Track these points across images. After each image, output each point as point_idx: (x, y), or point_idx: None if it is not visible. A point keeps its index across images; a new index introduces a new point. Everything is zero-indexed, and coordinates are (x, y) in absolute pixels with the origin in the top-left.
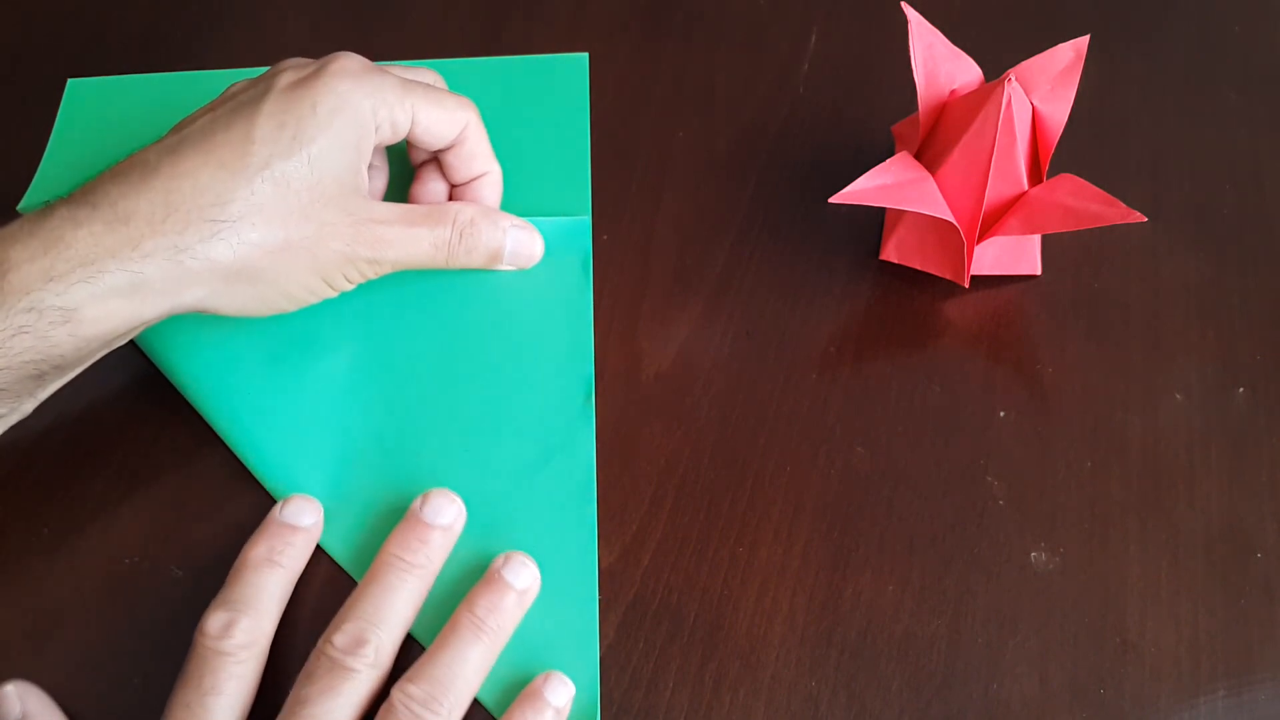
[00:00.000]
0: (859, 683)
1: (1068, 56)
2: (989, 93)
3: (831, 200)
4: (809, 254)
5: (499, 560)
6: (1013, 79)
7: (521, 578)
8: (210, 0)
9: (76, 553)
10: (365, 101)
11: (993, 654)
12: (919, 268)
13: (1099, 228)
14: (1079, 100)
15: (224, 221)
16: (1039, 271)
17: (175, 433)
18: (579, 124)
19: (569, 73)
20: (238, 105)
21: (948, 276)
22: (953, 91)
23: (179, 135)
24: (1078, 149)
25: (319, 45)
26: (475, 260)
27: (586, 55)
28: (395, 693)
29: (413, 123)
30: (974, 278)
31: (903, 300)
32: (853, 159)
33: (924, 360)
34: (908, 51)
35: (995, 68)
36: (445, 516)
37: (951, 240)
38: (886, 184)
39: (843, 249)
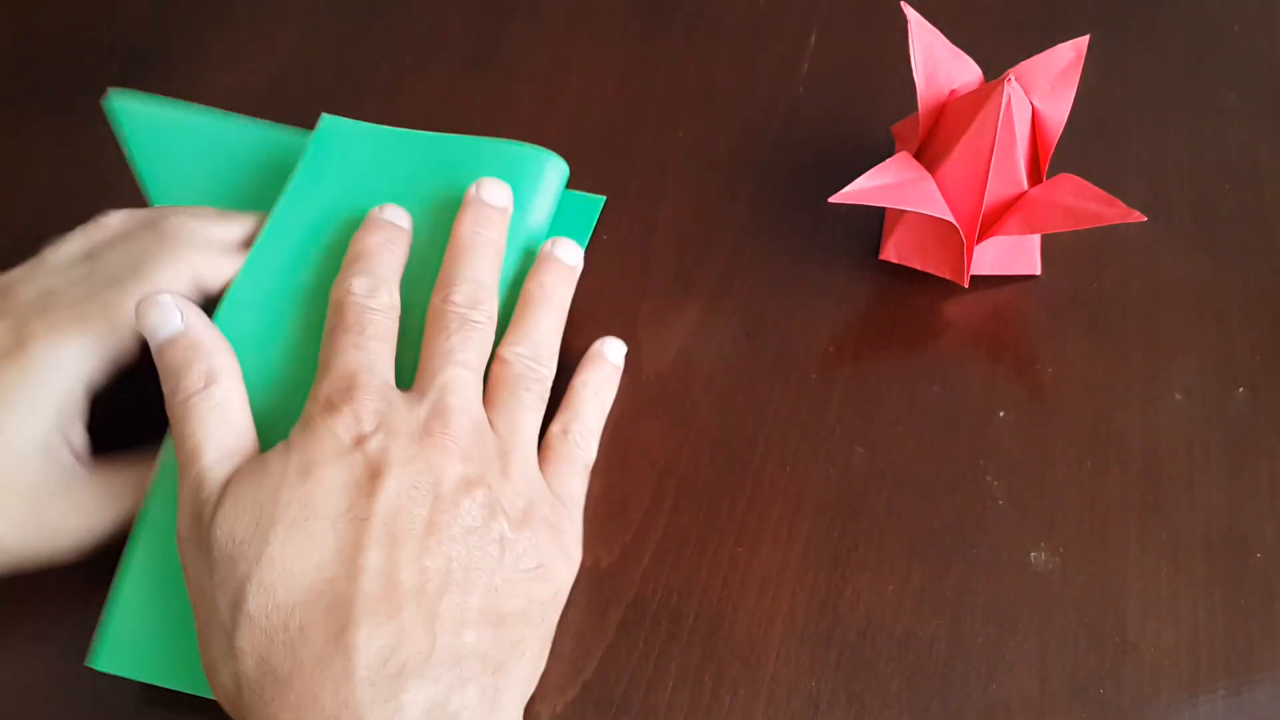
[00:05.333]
0: (859, 683)
1: (1068, 56)
2: (989, 93)
3: (831, 200)
4: (809, 254)
5: (548, 244)
6: (1013, 79)
7: (571, 255)
8: (210, 2)
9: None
10: (73, 365)
11: (992, 654)
12: (919, 268)
13: (1099, 227)
14: (1079, 100)
15: None
16: (1039, 271)
17: None
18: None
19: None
20: None
21: (947, 276)
22: (953, 91)
23: None
24: (1078, 149)
25: (317, 45)
26: None
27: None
28: (505, 353)
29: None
30: (974, 278)
31: (902, 300)
32: (853, 159)
33: (924, 360)
34: (908, 51)
35: (995, 68)
36: (502, 200)
37: (951, 240)
38: (886, 184)
39: (843, 249)
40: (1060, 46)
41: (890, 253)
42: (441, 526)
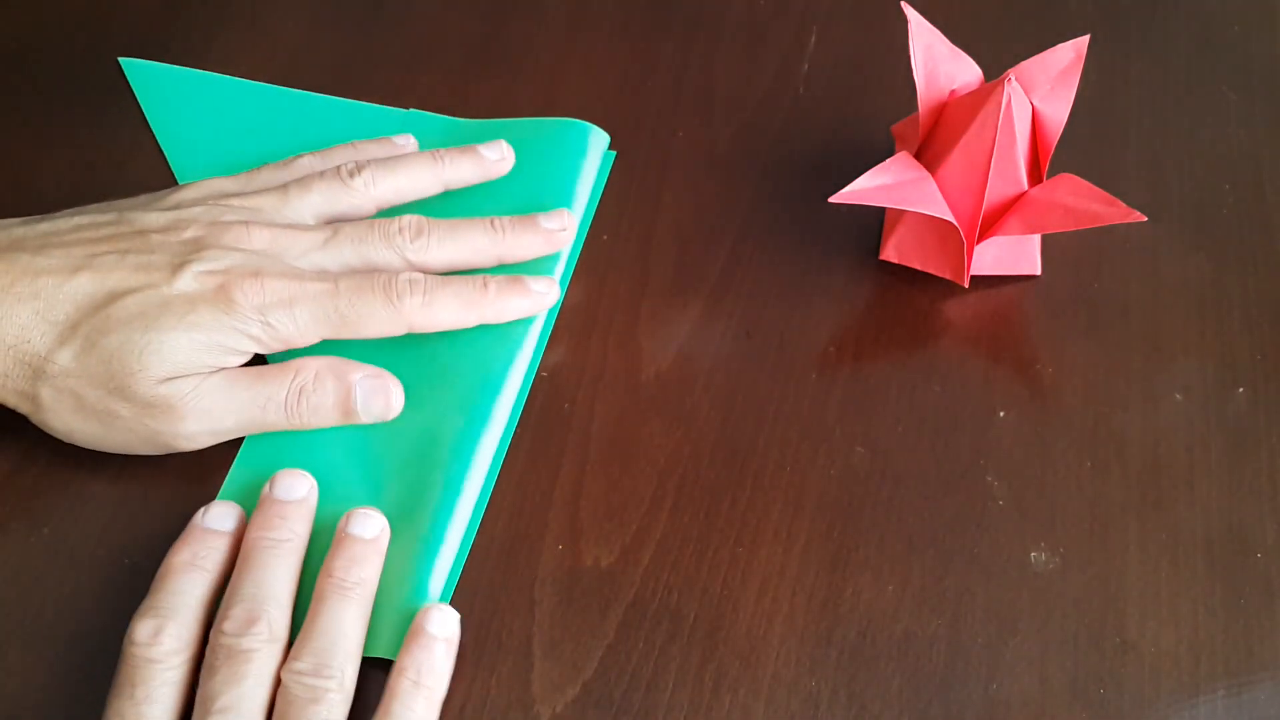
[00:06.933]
0: (859, 683)
1: (1068, 56)
2: (989, 93)
3: (831, 200)
4: (809, 254)
5: (343, 520)
6: (1013, 79)
7: (368, 529)
8: (210, 2)
9: (76, 553)
10: (252, 328)
11: (992, 654)
12: (919, 268)
13: (1099, 228)
14: (1079, 100)
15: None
16: (1039, 271)
17: None
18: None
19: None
20: (142, 278)
21: (947, 276)
22: (953, 91)
23: (96, 277)
24: (1078, 149)
25: (318, 45)
26: (322, 418)
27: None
28: (284, 675)
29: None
30: (974, 278)
31: (903, 300)
32: (853, 159)
33: (924, 360)
34: (908, 51)
35: (995, 68)
36: (298, 492)
37: (951, 240)
38: (886, 184)
39: (843, 249)
40: (1060, 46)
41: (890, 253)
42: None
